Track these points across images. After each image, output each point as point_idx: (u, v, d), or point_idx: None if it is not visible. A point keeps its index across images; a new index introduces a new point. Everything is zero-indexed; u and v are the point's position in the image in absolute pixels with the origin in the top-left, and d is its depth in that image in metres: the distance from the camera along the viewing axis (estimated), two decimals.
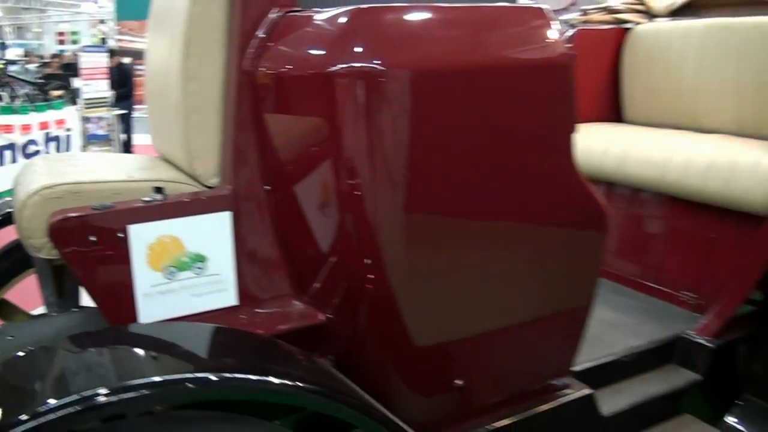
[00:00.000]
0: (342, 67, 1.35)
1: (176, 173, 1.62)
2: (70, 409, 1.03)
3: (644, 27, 3.05)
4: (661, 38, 2.93)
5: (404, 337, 1.57)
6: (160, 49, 1.74)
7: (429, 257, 1.53)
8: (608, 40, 3.07)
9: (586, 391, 1.93)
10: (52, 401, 1.04)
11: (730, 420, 2.24)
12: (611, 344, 2.22)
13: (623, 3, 3.13)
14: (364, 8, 1.38)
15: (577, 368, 2.01)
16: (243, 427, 1.21)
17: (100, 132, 8.58)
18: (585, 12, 3.06)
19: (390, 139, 1.39)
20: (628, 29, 3.09)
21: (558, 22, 1.56)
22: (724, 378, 2.30)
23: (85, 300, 2.29)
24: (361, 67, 1.34)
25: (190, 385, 1.11)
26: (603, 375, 2.12)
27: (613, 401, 2.06)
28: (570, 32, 2.98)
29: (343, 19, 1.40)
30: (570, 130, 1.58)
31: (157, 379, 1.11)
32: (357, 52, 1.35)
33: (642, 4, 3.15)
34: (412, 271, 1.52)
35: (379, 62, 1.34)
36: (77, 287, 2.23)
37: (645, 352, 2.25)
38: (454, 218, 1.53)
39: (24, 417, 1.01)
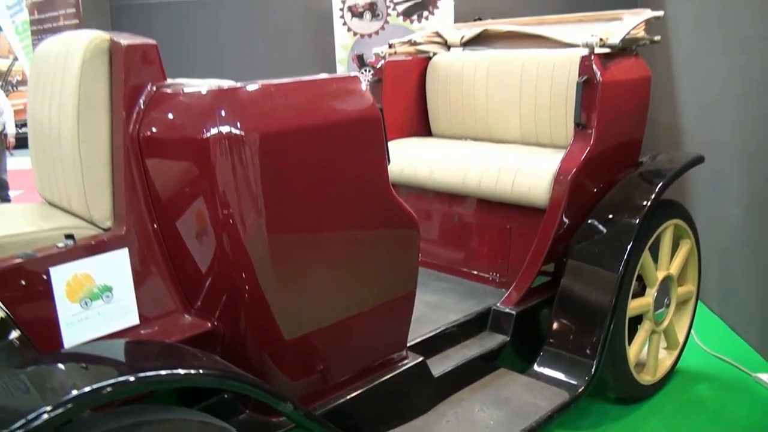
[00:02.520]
0: (213, 132, 1.80)
1: (75, 220, 1.96)
2: (34, 422, 1.37)
3: (442, 56, 3.65)
4: (457, 66, 3.53)
5: (276, 332, 2.01)
6: (46, 112, 2.07)
7: (288, 266, 1.99)
8: (413, 68, 3.64)
9: (419, 359, 2.45)
10: (26, 411, 1.38)
11: (536, 367, 2.82)
12: (437, 321, 2.77)
13: (422, 36, 3.70)
14: (225, 89, 1.84)
15: (411, 343, 2.53)
16: (157, 412, 1.60)
17: None
18: (392, 45, 3.60)
19: (251, 178, 1.85)
20: (429, 58, 3.67)
21: (367, 88, 2.08)
22: (528, 336, 2.90)
23: None
24: (227, 131, 1.80)
25: (114, 387, 1.47)
26: (432, 346, 2.66)
27: (441, 365, 2.60)
28: (381, 63, 3.52)
29: (209, 96, 1.85)
30: (383, 161, 2.11)
31: (89, 388, 1.46)
32: (222, 120, 1.80)
33: (440, 36, 3.75)
34: (276, 278, 1.96)
35: (238, 127, 1.81)
36: None
37: (464, 324, 2.81)
38: (303, 234, 2.01)
39: (7, 420, 1.36)
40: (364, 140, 2.09)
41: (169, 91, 1.94)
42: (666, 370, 3.32)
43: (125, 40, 1.91)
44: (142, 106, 1.93)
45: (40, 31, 5.67)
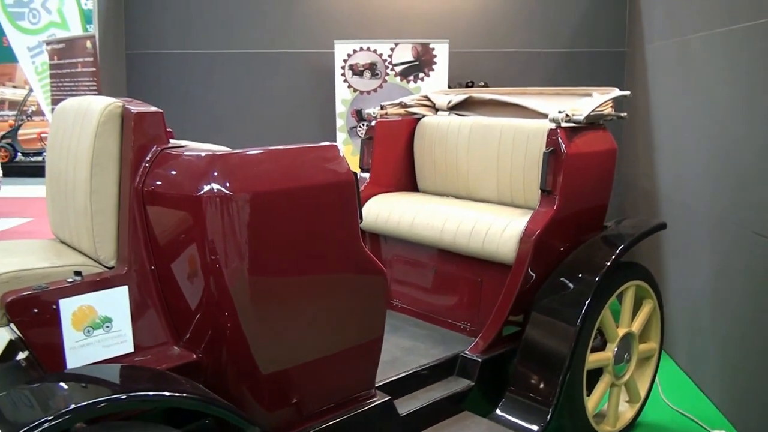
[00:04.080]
0: (206, 190, 2.09)
1: (83, 258, 2.24)
2: (45, 424, 1.64)
3: (429, 119, 3.95)
4: (442, 129, 3.83)
5: (253, 366, 2.27)
6: (63, 163, 2.36)
7: (266, 308, 2.26)
8: (403, 128, 3.94)
9: (386, 398, 2.69)
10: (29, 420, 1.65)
11: (498, 411, 3.04)
12: (407, 363, 3.01)
13: (413, 99, 4.01)
14: (218, 154, 2.15)
15: (381, 383, 2.77)
16: (143, 428, 1.86)
17: None
18: (383, 107, 3.90)
19: (236, 230, 2.14)
20: (418, 120, 3.97)
21: (343, 155, 2.37)
22: (493, 382, 3.13)
23: None
24: (218, 190, 2.10)
25: (107, 402, 1.75)
26: (401, 387, 2.89)
27: (408, 405, 2.83)
28: (372, 123, 3.83)
29: (204, 160, 2.15)
30: (355, 219, 2.40)
31: (85, 402, 1.74)
32: (215, 181, 2.10)
33: (429, 100, 4.05)
34: (255, 318, 2.23)
35: (228, 187, 2.11)
36: None
37: (433, 368, 3.05)
38: (281, 281, 2.29)
39: (12, 429, 1.62)
40: (339, 201, 2.38)
41: (171, 152, 2.24)
42: (626, 422, 3.54)
43: (135, 107, 2.22)
44: (147, 164, 2.22)
45: (60, 75, 6.00)
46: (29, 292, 2.00)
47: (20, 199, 13.19)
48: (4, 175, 16.39)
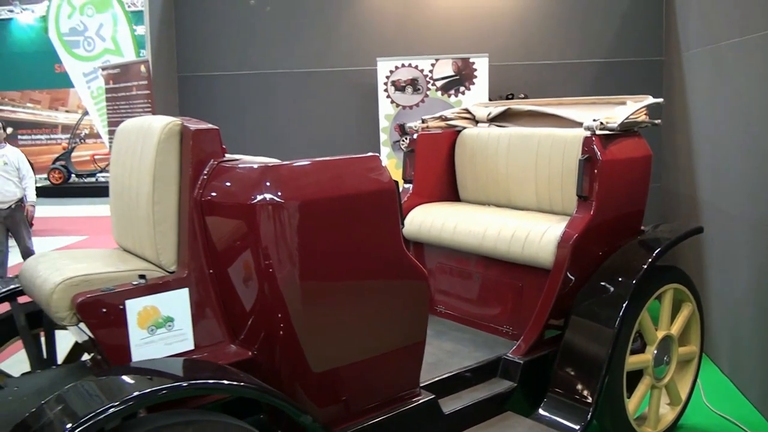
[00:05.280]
0: (259, 199, 2.25)
1: (146, 264, 2.42)
2: (111, 409, 1.81)
3: (470, 131, 4.08)
4: (482, 140, 3.95)
5: (304, 364, 2.42)
6: (126, 177, 2.55)
7: (316, 310, 2.41)
8: (444, 140, 4.08)
9: (431, 396, 2.82)
10: (103, 401, 1.82)
11: (540, 411, 3.14)
12: (451, 365, 3.13)
13: (453, 112, 4.15)
14: (270, 165, 2.32)
15: (426, 383, 2.90)
16: (203, 414, 2.02)
17: None
18: (424, 120, 4.05)
19: (289, 237, 2.29)
20: (459, 132, 4.11)
21: (385, 165, 2.52)
22: (534, 383, 3.23)
23: (60, 358, 3.05)
24: (270, 199, 2.26)
25: (168, 390, 1.92)
26: (446, 387, 3.01)
27: (453, 404, 2.94)
28: (414, 136, 3.97)
29: (257, 171, 2.33)
30: (397, 225, 2.54)
31: (150, 389, 1.90)
32: (267, 190, 2.27)
33: (468, 113, 4.19)
34: (306, 319, 2.38)
35: (280, 195, 2.27)
36: (55, 350, 2.98)
37: (476, 369, 3.16)
38: (329, 284, 2.44)
39: (83, 413, 1.79)
40: (381, 207, 2.53)
41: (226, 165, 2.42)
42: (667, 424, 3.59)
43: (193, 125, 2.40)
44: (204, 177, 2.41)
45: (115, 98, 6.28)
46: (98, 294, 2.19)
47: (75, 218, 13.66)
48: (59, 195, 16.95)
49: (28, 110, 20.96)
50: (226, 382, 2.04)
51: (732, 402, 4.04)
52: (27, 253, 6.69)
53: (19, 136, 20.27)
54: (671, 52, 5.68)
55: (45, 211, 13.30)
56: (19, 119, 20.76)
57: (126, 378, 2.05)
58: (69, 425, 1.77)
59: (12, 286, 2.89)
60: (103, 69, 6.59)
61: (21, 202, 6.74)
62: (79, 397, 1.93)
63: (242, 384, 2.07)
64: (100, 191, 16.65)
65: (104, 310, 2.18)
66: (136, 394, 1.87)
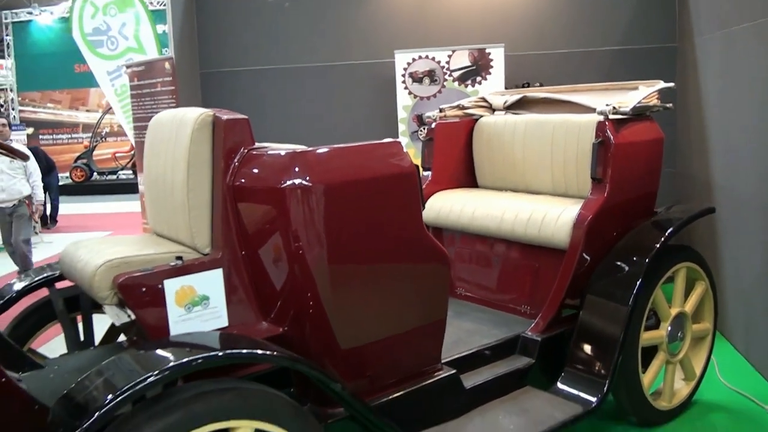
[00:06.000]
0: (288, 183, 2.39)
1: (182, 247, 2.57)
2: (151, 378, 1.94)
3: (487, 119, 4.19)
4: (499, 127, 4.07)
5: (333, 341, 2.56)
6: (161, 166, 2.70)
7: (343, 289, 2.55)
8: (461, 128, 4.20)
9: (452, 371, 2.95)
10: (143, 371, 1.97)
11: (558, 385, 3.26)
12: (471, 343, 3.26)
13: (470, 101, 4.27)
14: (298, 151, 2.46)
15: (447, 359, 3.03)
16: (241, 382, 2.16)
17: None
18: (442, 109, 4.17)
19: (317, 219, 2.43)
20: (476, 120, 4.22)
21: (406, 150, 2.65)
22: (552, 359, 3.35)
23: (97, 341, 3.21)
24: (299, 183, 2.40)
25: (204, 359, 2.06)
26: (466, 363, 3.13)
27: (473, 379, 3.07)
28: (432, 125, 4.10)
29: (285, 157, 2.47)
30: (419, 207, 2.67)
31: (187, 358, 2.05)
32: (296, 175, 2.41)
33: (485, 101, 4.30)
34: (335, 299, 2.52)
35: (308, 179, 2.41)
36: (92, 333, 3.14)
37: (495, 347, 3.29)
38: (355, 265, 2.58)
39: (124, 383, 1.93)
40: (403, 191, 2.66)
41: (256, 152, 2.56)
42: (682, 398, 3.70)
43: (225, 115, 2.55)
44: (236, 164, 2.55)
45: (140, 95, 6.44)
46: (138, 274, 2.34)
47: (98, 215, 13.92)
48: (82, 193, 17.20)
49: (48, 110, 21.27)
50: (260, 351, 2.18)
51: (746, 378, 4.14)
52: (16, 244, 6.86)
53: (41, 136, 20.61)
54: (684, 38, 5.76)
55: (68, 208, 13.58)
56: (41, 119, 21.09)
57: (164, 350, 2.20)
58: (111, 394, 1.91)
59: (48, 273, 3.06)
60: (128, 67, 6.75)
61: (28, 199, 6.96)
62: (119, 369, 2.07)
63: (276, 354, 2.21)
64: (121, 188, 16.95)
65: (144, 289, 2.33)
66: (173, 363, 2.01)
